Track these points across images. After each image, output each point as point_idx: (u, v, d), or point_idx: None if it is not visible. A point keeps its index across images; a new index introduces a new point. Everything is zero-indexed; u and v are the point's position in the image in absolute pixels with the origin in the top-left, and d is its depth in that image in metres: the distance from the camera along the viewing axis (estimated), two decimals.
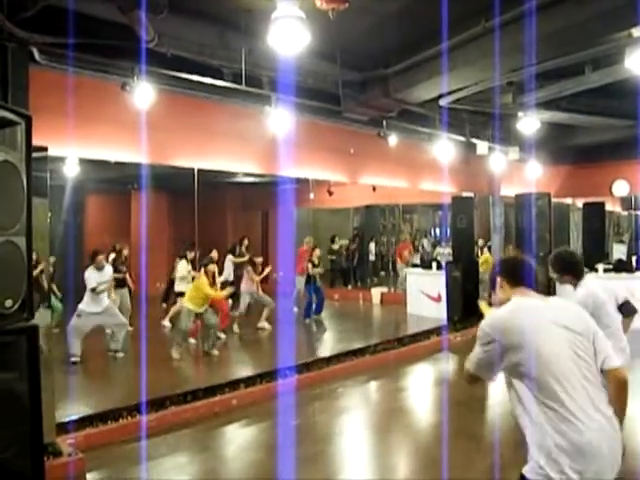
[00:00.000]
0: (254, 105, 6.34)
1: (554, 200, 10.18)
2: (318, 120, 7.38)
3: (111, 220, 13.57)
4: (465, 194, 10.40)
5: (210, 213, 11.74)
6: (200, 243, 9.44)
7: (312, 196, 12.20)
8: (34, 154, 2.42)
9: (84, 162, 7.53)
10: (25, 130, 2.37)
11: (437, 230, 15.78)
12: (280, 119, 6.28)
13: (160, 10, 4.17)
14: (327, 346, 8.47)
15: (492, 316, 2.15)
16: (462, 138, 8.88)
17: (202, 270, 7.29)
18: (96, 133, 5.41)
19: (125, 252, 8.98)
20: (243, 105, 6.41)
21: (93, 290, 6.78)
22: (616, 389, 2.03)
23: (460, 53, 5.43)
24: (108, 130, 5.50)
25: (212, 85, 5.73)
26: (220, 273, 8.37)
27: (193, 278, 7.84)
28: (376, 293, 12.21)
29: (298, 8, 3.90)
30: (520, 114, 7.91)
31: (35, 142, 2.43)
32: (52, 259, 7.86)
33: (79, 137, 5.10)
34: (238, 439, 5.02)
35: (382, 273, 14.68)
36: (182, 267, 8.51)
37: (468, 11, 4.86)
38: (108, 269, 7.17)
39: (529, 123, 7.90)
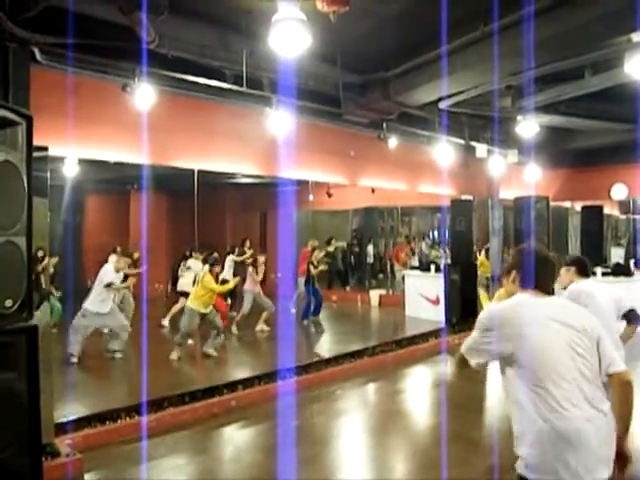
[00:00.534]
0: (255, 107, 6.34)
1: (553, 203, 10.22)
2: (318, 122, 7.38)
3: (110, 220, 13.57)
4: (464, 197, 10.39)
5: (209, 214, 11.75)
6: (199, 244, 9.45)
7: (311, 198, 12.21)
8: (34, 154, 2.42)
9: (84, 162, 7.55)
10: (26, 130, 2.37)
11: (435, 233, 15.79)
12: (280, 121, 6.28)
13: (161, 11, 4.17)
14: (325, 348, 8.46)
15: (492, 308, 2.22)
16: (461, 141, 8.89)
17: (208, 268, 7.28)
18: (96, 133, 5.41)
19: (136, 255, 9.01)
20: (243, 106, 6.40)
21: (108, 285, 6.79)
22: (621, 393, 2.04)
23: (459, 57, 5.44)
24: (108, 131, 5.49)
25: (213, 86, 5.73)
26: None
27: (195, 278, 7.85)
28: (374, 295, 12.19)
29: (299, 10, 3.92)
30: (519, 117, 7.91)
31: (35, 142, 2.42)
32: (54, 260, 7.89)
33: (79, 137, 5.10)
34: (236, 440, 5.03)
35: (380, 275, 14.69)
36: (195, 266, 8.51)
37: (467, 15, 4.87)
38: (122, 273, 7.30)
39: (528, 126, 7.91)
